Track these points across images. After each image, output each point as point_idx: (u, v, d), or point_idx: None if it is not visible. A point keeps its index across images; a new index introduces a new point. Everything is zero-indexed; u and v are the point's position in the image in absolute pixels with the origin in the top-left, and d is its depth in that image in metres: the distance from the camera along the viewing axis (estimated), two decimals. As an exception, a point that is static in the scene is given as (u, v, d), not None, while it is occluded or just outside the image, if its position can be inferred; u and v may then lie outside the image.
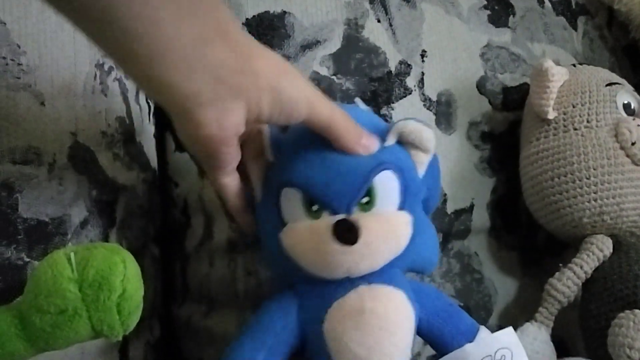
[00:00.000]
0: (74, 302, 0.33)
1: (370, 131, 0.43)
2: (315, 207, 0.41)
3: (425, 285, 0.50)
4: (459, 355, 0.42)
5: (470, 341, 0.43)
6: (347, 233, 0.39)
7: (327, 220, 0.40)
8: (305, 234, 0.41)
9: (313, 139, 0.42)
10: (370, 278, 0.41)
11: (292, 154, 0.43)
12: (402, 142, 0.44)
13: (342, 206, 0.41)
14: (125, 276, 0.33)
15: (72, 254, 0.33)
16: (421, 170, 0.45)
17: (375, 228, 0.40)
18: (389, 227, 0.41)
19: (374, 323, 0.40)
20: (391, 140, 0.43)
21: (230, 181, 0.43)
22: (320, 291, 0.41)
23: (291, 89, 0.39)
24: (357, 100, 0.57)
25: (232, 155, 0.40)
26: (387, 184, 0.42)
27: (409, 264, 0.44)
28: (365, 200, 0.41)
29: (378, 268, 0.41)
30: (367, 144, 0.42)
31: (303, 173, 0.41)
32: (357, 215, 0.40)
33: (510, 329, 0.43)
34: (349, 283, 0.41)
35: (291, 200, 0.42)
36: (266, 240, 0.44)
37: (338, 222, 0.40)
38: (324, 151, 0.42)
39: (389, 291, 0.42)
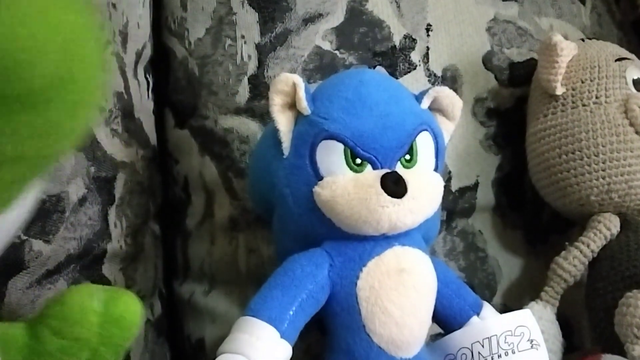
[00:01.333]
0: (91, 334, 0.35)
1: (403, 92, 0.44)
2: (358, 161, 0.41)
3: (433, 256, 0.50)
4: (480, 327, 0.43)
5: (477, 314, 0.45)
6: (396, 186, 0.39)
7: (374, 173, 0.40)
8: (349, 186, 0.40)
9: (354, 91, 0.42)
10: (403, 240, 0.42)
11: (331, 106, 0.41)
12: (432, 107, 0.45)
13: (386, 160, 0.41)
14: (138, 324, 0.36)
15: (100, 291, 0.35)
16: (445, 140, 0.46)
17: (419, 184, 0.41)
18: (430, 185, 0.42)
19: (410, 284, 0.41)
20: (425, 104, 0.44)
21: None
22: (353, 249, 0.41)
23: None
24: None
25: None
26: (426, 144, 0.43)
27: (424, 230, 0.44)
28: (407, 157, 0.42)
29: (416, 225, 0.42)
30: None
31: (348, 125, 0.40)
32: (400, 171, 0.41)
33: (529, 311, 0.45)
34: (385, 242, 0.41)
35: (331, 153, 0.41)
36: (292, 198, 0.42)
37: (386, 175, 0.39)
38: (368, 104, 0.41)
39: (420, 254, 0.43)
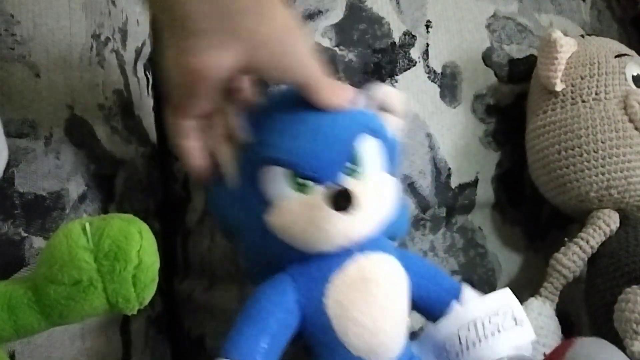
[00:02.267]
0: (89, 272, 0.32)
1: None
2: (301, 180, 0.40)
3: (405, 250, 0.50)
4: (463, 312, 0.42)
5: (456, 299, 0.44)
6: (342, 200, 0.38)
7: (319, 191, 0.39)
8: (297, 208, 0.39)
9: (286, 112, 0.41)
10: (363, 247, 0.41)
11: (268, 130, 0.41)
12: (375, 108, 0.44)
13: (328, 175, 0.40)
14: (142, 247, 0.32)
15: (87, 224, 0.32)
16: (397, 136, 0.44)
17: (366, 193, 0.40)
18: (379, 191, 0.41)
19: (377, 291, 0.40)
20: (363, 106, 0.43)
21: (189, 126, 0.40)
22: (316, 267, 0.40)
23: (295, 47, 0.38)
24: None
25: (204, 98, 0.38)
26: (368, 147, 0.41)
27: (391, 231, 0.44)
28: (350, 166, 0.41)
29: (375, 233, 0.41)
30: (343, 94, 0.41)
31: (286, 147, 0.40)
32: (346, 183, 0.40)
33: (508, 289, 0.44)
34: (345, 254, 0.40)
35: (274, 178, 0.40)
36: (246, 227, 0.42)
37: (331, 190, 0.39)
38: (299, 121, 0.40)
39: (384, 258, 0.42)
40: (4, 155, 0.31)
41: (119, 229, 0.32)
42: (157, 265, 0.33)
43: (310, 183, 0.40)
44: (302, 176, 0.40)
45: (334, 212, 0.38)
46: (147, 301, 0.34)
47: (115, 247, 0.32)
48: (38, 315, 0.33)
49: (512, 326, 0.42)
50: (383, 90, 0.44)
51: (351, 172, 0.40)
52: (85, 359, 0.47)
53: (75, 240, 0.32)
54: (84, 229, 0.32)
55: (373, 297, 0.40)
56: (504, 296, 0.43)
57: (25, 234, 0.43)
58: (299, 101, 0.41)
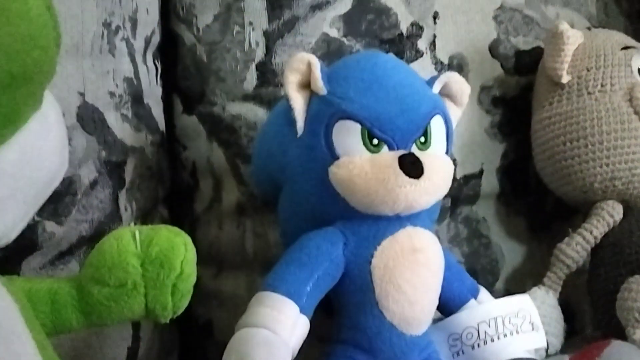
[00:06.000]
0: (134, 276, 0.33)
1: (415, 76, 0.44)
2: (375, 141, 0.41)
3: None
4: (486, 309, 0.44)
5: (475, 298, 0.46)
6: (413, 167, 0.40)
7: (391, 153, 0.40)
8: (367, 166, 0.40)
9: (370, 73, 0.42)
10: (414, 220, 0.42)
11: (348, 86, 0.41)
12: (441, 93, 0.45)
13: (402, 142, 0.41)
14: (185, 258, 0.34)
15: (137, 232, 0.34)
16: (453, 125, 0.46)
17: (434, 166, 0.41)
18: (443, 167, 0.43)
19: (422, 263, 0.41)
20: (437, 89, 0.45)
21: None
22: (367, 228, 0.41)
23: None
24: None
25: None
26: (439, 128, 0.43)
27: (431, 212, 0.45)
28: (422, 139, 0.42)
29: (429, 206, 0.42)
30: None
31: (365, 106, 0.41)
32: (416, 153, 0.41)
33: (527, 296, 0.46)
34: (398, 222, 0.42)
35: (348, 134, 0.41)
36: (306, 177, 0.42)
37: (404, 156, 0.40)
38: (384, 86, 0.41)
39: (430, 235, 0.43)
40: (65, 163, 0.33)
41: (166, 239, 0.34)
42: (194, 278, 0.35)
43: (383, 146, 0.41)
44: (379, 137, 0.41)
45: (404, 176, 0.39)
46: (180, 311, 0.35)
47: (162, 255, 0.34)
48: (78, 314, 0.34)
49: (529, 330, 0.44)
50: (456, 79, 0.46)
51: (420, 146, 0.42)
52: (96, 343, 0.47)
53: (126, 245, 0.34)
54: (133, 236, 0.34)
55: (419, 268, 0.41)
56: (523, 301, 0.45)
57: (39, 218, 0.44)
58: (385, 66, 0.43)
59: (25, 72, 0.27)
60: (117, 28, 0.52)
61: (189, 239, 0.35)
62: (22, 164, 0.29)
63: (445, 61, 0.58)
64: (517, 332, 0.43)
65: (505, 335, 0.43)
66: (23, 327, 0.30)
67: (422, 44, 0.58)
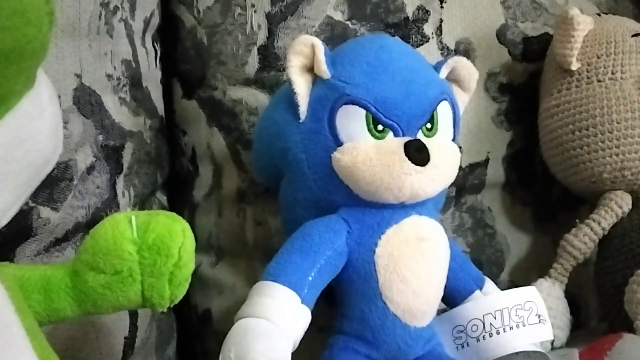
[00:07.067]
0: (130, 264, 0.32)
1: (422, 60, 0.43)
2: (380, 127, 0.40)
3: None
4: (491, 300, 0.43)
5: (480, 289, 0.45)
6: (419, 154, 0.39)
7: (397, 140, 0.39)
8: (371, 152, 0.39)
9: (375, 56, 0.41)
10: (420, 209, 0.42)
11: (352, 70, 0.40)
12: (448, 78, 0.44)
13: (408, 128, 0.40)
14: (183, 244, 0.33)
15: (133, 217, 0.33)
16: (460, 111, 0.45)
17: (440, 153, 0.40)
18: (450, 154, 0.42)
19: (428, 253, 0.41)
20: (444, 73, 0.44)
21: None
22: (371, 216, 0.41)
23: None
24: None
25: None
26: (445, 114, 0.42)
27: (437, 200, 0.44)
28: (428, 125, 0.41)
29: (435, 194, 0.42)
30: None
31: (370, 91, 0.40)
32: (422, 139, 0.40)
33: (534, 288, 0.45)
34: (403, 211, 0.41)
35: (352, 119, 0.40)
36: (308, 163, 0.41)
37: (410, 142, 0.39)
38: (390, 70, 0.40)
39: (436, 224, 0.42)
40: (60, 146, 0.31)
41: (164, 224, 0.33)
42: (193, 265, 0.34)
43: (388, 132, 0.40)
44: (384, 123, 0.40)
45: (410, 163, 0.39)
46: (177, 300, 0.34)
47: (159, 241, 0.32)
48: (71, 301, 0.33)
49: (535, 322, 0.43)
50: (464, 64, 0.45)
51: (427, 132, 0.41)
52: (92, 332, 0.46)
53: (122, 231, 0.32)
54: (130, 221, 0.33)
55: (424, 257, 0.40)
56: (530, 292, 0.44)
57: (33, 204, 0.43)
58: (391, 49, 0.42)
59: (15, 48, 0.26)
60: (115, 8, 0.50)
61: (187, 226, 0.34)
62: (14, 146, 0.27)
63: (452, 47, 0.57)
64: (524, 324, 0.42)
65: (511, 328, 0.42)
66: (13, 315, 0.29)
67: (428, 28, 0.56)
